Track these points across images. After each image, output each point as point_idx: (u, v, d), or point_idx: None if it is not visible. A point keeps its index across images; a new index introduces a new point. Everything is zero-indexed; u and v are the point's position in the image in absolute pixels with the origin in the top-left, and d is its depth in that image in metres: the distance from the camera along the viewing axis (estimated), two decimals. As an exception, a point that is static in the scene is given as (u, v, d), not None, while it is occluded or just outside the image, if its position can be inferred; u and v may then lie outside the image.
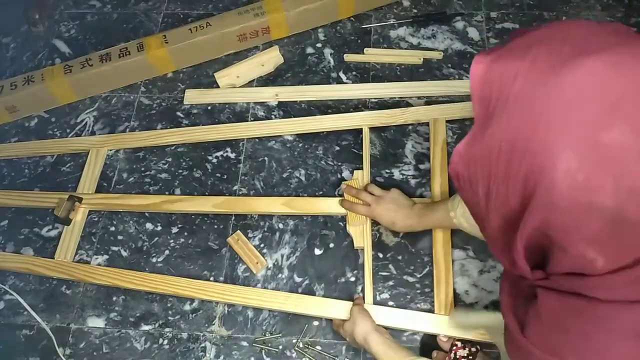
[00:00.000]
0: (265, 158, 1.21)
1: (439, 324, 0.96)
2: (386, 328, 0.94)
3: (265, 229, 1.12)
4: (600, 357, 0.44)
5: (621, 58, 0.38)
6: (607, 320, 0.44)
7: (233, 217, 1.14)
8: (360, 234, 1.05)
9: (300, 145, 1.21)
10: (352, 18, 1.39)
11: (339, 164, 1.18)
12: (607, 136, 0.36)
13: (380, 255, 1.06)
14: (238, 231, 1.10)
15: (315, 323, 1.02)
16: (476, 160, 0.45)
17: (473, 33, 1.33)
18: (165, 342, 1.03)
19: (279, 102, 1.28)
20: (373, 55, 1.32)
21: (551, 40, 0.41)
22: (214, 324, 1.04)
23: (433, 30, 1.35)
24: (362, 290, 1.02)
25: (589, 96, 0.37)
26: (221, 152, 1.23)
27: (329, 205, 1.10)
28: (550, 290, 0.48)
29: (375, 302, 1.01)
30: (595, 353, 0.44)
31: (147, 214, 1.16)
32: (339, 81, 1.30)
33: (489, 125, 0.43)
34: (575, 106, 0.38)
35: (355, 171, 1.12)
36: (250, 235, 1.12)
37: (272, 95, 1.28)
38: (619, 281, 0.42)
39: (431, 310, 0.99)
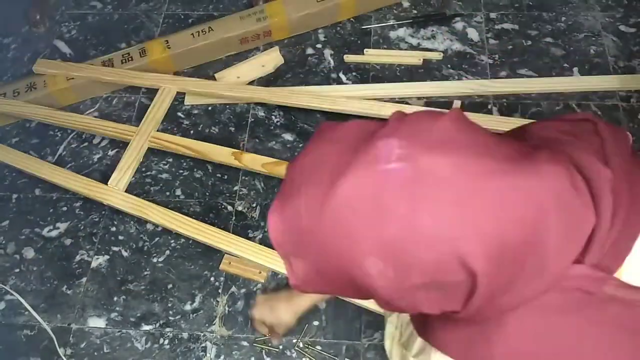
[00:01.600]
0: (266, 158, 1.21)
1: None
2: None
3: (266, 229, 1.12)
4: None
5: (365, 168, 0.43)
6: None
7: (233, 218, 1.14)
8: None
9: (300, 145, 1.22)
10: (352, 19, 1.40)
11: (339, 164, 1.18)
12: (387, 233, 0.42)
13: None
14: (225, 255, 1.08)
15: (316, 323, 1.02)
16: (314, 284, 0.51)
17: (472, 34, 1.34)
18: (166, 342, 1.03)
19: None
20: (373, 56, 1.32)
21: (313, 169, 0.47)
22: (214, 324, 1.04)
23: (433, 31, 1.35)
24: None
25: (358, 208, 0.43)
26: (221, 153, 1.23)
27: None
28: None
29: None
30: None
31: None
32: (339, 82, 1.30)
33: (305, 257, 0.48)
34: (350, 221, 0.43)
35: None
36: (250, 235, 1.12)
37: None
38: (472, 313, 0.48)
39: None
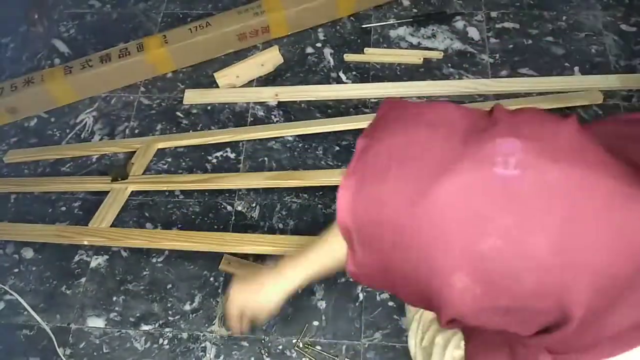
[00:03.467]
0: (265, 158, 1.21)
1: None
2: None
3: (266, 229, 1.12)
4: None
5: (476, 169, 0.38)
6: None
7: (233, 218, 1.14)
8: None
9: (300, 145, 1.21)
10: (352, 18, 1.39)
11: (339, 164, 1.18)
12: (485, 245, 0.37)
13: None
14: (224, 255, 1.07)
15: (315, 323, 1.02)
16: (371, 276, 0.45)
17: (473, 33, 1.33)
18: (166, 342, 1.03)
19: (279, 102, 1.28)
20: (373, 55, 1.32)
21: (409, 157, 0.40)
22: (214, 324, 1.04)
23: (433, 30, 1.35)
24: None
25: (458, 215, 0.38)
26: (221, 152, 1.23)
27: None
28: None
29: (375, 302, 1.01)
30: None
31: (147, 214, 1.16)
32: (339, 81, 1.30)
33: (367, 251, 0.43)
34: (449, 228, 0.38)
35: None
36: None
37: (272, 95, 1.28)
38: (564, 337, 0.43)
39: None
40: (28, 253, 1.15)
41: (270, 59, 1.32)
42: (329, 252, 0.62)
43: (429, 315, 0.69)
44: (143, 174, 1.20)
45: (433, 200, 0.38)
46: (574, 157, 0.37)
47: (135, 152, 1.23)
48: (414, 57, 1.30)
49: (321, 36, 1.37)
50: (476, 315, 0.41)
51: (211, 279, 1.08)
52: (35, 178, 1.24)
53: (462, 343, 0.60)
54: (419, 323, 0.72)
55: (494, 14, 1.36)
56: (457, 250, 0.38)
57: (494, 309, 0.40)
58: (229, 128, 1.25)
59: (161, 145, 1.24)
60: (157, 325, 1.05)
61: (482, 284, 0.38)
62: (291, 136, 1.22)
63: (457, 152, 0.38)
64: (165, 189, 1.18)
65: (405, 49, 1.33)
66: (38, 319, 1.06)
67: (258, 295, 0.69)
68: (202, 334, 1.03)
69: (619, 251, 0.37)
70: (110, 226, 1.13)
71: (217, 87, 1.32)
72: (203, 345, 1.02)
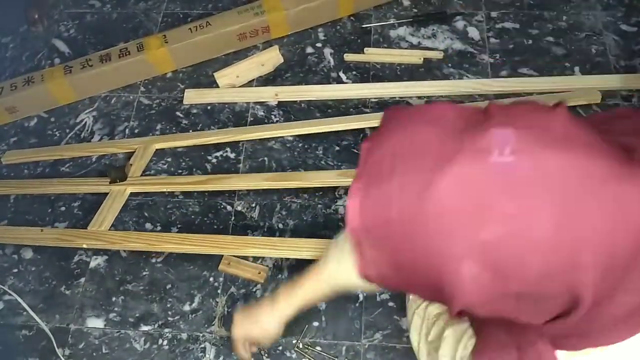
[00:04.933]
0: (265, 158, 1.20)
1: None
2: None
3: (265, 229, 1.12)
4: None
5: (475, 158, 0.39)
6: None
7: (232, 218, 1.14)
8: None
9: (300, 145, 1.21)
10: (352, 17, 1.39)
11: (339, 164, 1.17)
12: (487, 235, 0.38)
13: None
14: (224, 255, 1.07)
15: (315, 324, 1.02)
16: (384, 273, 0.46)
17: (473, 33, 1.33)
18: (165, 342, 1.03)
19: (279, 102, 1.28)
20: (373, 54, 1.32)
21: (411, 153, 0.42)
22: (213, 325, 1.04)
23: (433, 29, 1.35)
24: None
25: (459, 205, 0.39)
26: (221, 152, 1.23)
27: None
28: None
29: (375, 303, 1.01)
30: None
31: (146, 214, 1.16)
32: (339, 81, 1.29)
33: (381, 249, 0.44)
34: (452, 219, 0.39)
35: None
36: (250, 235, 1.11)
37: (271, 95, 1.28)
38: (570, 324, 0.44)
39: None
40: (27, 253, 1.15)
41: (270, 59, 1.32)
42: (323, 280, 0.68)
43: (434, 309, 0.70)
44: (143, 174, 1.20)
45: (436, 191, 0.39)
46: (567, 142, 0.39)
47: (133, 152, 1.23)
48: (414, 57, 1.29)
49: (321, 36, 1.37)
50: (487, 303, 0.42)
51: (211, 279, 1.08)
52: (34, 180, 1.24)
53: (471, 341, 0.60)
54: (422, 319, 0.72)
55: (494, 14, 1.35)
56: (462, 239, 0.39)
57: (504, 295, 0.41)
58: (228, 128, 1.25)
59: (159, 145, 1.23)
60: (156, 325, 1.05)
61: (491, 271, 0.39)
62: (291, 136, 1.22)
63: (456, 145, 0.40)
64: (164, 190, 1.17)
65: (406, 49, 1.32)
66: (37, 319, 1.06)
67: (256, 327, 0.78)
68: (201, 335, 1.03)
69: (618, 227, 0.38)
70: (110, 226, 1.13)
71: (217, 87, 1.32)
72: (202, 345, 1.02)
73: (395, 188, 0.41)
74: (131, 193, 1.18)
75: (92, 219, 1.13)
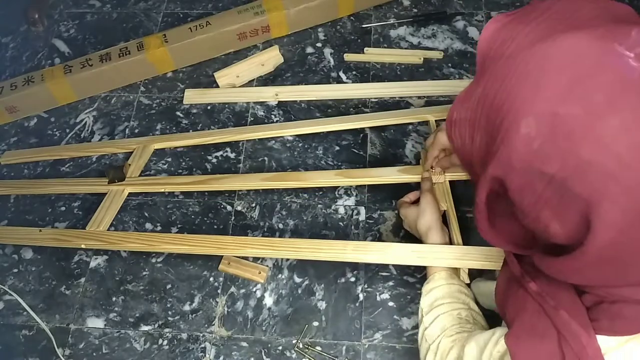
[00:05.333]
0: (265, 158, 1.20)
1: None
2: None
3: (265, 229, 1.12)
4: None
5: (602, 38, 0.41)
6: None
7: (232, 217, 1.14)
8: (441, 195, 0.99)
9: (300, 145, 1.21)
10: (352, 17, 1.39)
11: (339, 163, 1.17)
12: (564, 110, 0.40)
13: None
14: (224, 255, 1.08)
15: (315, 323, 1.02)
16: (467, 108, 0.50)
17: (473, 33, 1.33)
18: (165, 342, 1.03)
19: (279, 101, 1.28)
20: (373, 54, 1.32)
21: (560, 14, 0.45)
22: (213, 325, 1.04)
23: (433, 29, 1.35)
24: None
25: (562, 68, 0.40)
26: (221, 152, 1.23)
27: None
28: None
29: (375, 303, 1.01)
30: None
31: (146, 214, 1.16)
32: (339, 81, 1.29)
33: (481, 79, 0.48)
34: (547, 75, 0.41)
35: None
36: (249, 235, 1.11)
37: (272, 95, 1.28)
38: (584, 262, 0.44)
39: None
40: (27, 253, 1.15)
41: (270, 58, 1.32)
42: None
43: (446, 346, 0.73)
44: (142, 174, 1.20)
45: (549, 44, 0.41)
46: None
47: (132, 152, 1.23)
48: (414, 57, 1.29)
49: (321, 36, 1.37)
50: (522, 173, 0.43)
51: (211, 279, 1.08)
52: (32, 180, 1.24)
53: (497, 348, 0.60)
54: (435, 353, 0.74)
55: (494, 14, 1.35)
56: (542, 97, 0.41)
57: (540, 173, 0.42)
58: (228, 128, 1.25)
59: (158, 145, 1.23)
60: (156, 325, 1.05)
61: (543, 138, 0.41)
62: (291, 136, 1.22)
63: (599, 23, 0.42)
64: (162, 190, 1.17)
65: (406, 48, 1.32)
66: (37, 319, 1.06)
67: (419, 229, 0.93)
68: (201, 335, 1.03)
69: None
70: (110, 226, 1.13)
71: (217, 87, 1.32)
72: (203, 345, 1.02)
73: (524, 30, 0.44)
74: (131, 193, 1.18)
75: (91, 220, 1.13)
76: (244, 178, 1.15)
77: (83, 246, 1.09)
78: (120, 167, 1.19)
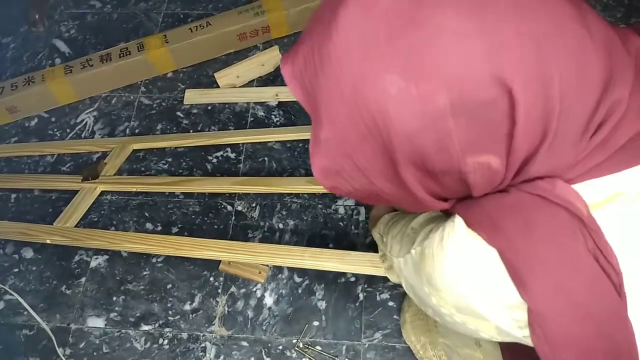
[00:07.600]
0: (266, 158, 1.21)
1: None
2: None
3: (266, 229, 1.12)
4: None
5: None
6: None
7: (233, 218, 1.14)
8: None
9: (300, 145, 1.21)
10: (352, 18, 1.39)
11: (339, 164, 1.17)
12: (405, 42, 0.37)
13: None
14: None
15: (316, 323, 1.02)
16: (327, 152, 0.44)
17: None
18: (165, 342, 1.03)
19: (279, 102, 1.28)
20: (373, 55, 1.32)
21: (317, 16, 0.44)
22: (214, 324, 1.04)
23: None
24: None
25: (365, 25, 0.38)
26: (221, 152, 1.23)
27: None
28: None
29: (375, 302, 1.01)
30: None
31: (147, 214, 1.16)
32: (339, 81, 1.29)
33: (318, 115, 0.43)
34: (362, 33, 0.38)
35: None
36: (250, 235, 1.11)
37: (272, 95, 1.28)
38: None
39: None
40: (28, 253, 1.15)
41: (270, 59, 1.32)
42: None
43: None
44: (142, 174, 1.20)
45: (342, 16, 0.39)
46: None
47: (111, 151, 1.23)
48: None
49: (321, 36, 1.37)
50: (427, 123, 0.39)
51: (211, 279, 1.08)
52: (6, 175, 1.25)
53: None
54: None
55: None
56: (381, 57, 0.38)
57: (439, 111, 0.38)
58: (210, 131, 1.25)
59: (137, 146, 1.24)
60: (157, 325, 1.05)
61: (414, 81, 0.38)
62: (291, 136, 1.22)
63: None
64: (134, 190, 1.17)
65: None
66: (38, 319, 1.06)
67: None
68: (202, 334, 1.03)
69: (556, 57, 0.38)
70: (110, 226, 1.13)
71: (218, 87, 1.32)
72: (203, 345, 1.02)
73: (311, 43, 0.42)
74: (132, 193, 1.18)
75: (59, 216, 1.13)
76: (214, 181, 1.15)
77: (48, 241, 1.09)
78: (94, 165, 1.19)
